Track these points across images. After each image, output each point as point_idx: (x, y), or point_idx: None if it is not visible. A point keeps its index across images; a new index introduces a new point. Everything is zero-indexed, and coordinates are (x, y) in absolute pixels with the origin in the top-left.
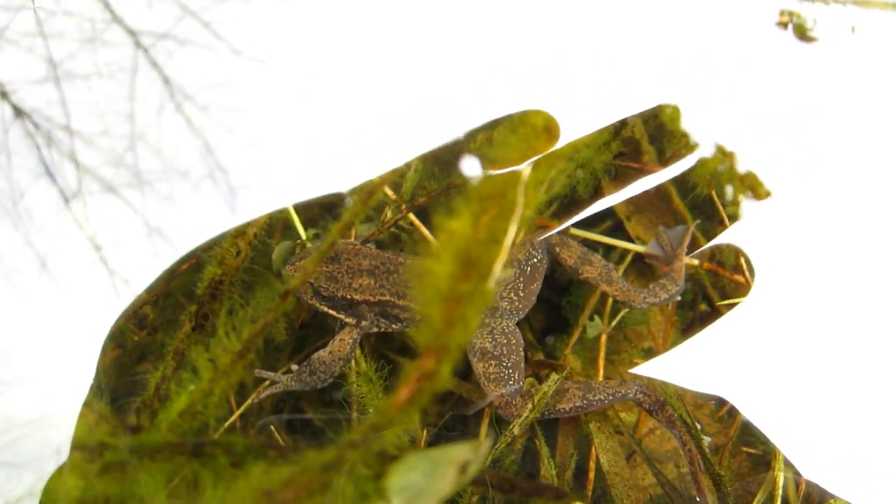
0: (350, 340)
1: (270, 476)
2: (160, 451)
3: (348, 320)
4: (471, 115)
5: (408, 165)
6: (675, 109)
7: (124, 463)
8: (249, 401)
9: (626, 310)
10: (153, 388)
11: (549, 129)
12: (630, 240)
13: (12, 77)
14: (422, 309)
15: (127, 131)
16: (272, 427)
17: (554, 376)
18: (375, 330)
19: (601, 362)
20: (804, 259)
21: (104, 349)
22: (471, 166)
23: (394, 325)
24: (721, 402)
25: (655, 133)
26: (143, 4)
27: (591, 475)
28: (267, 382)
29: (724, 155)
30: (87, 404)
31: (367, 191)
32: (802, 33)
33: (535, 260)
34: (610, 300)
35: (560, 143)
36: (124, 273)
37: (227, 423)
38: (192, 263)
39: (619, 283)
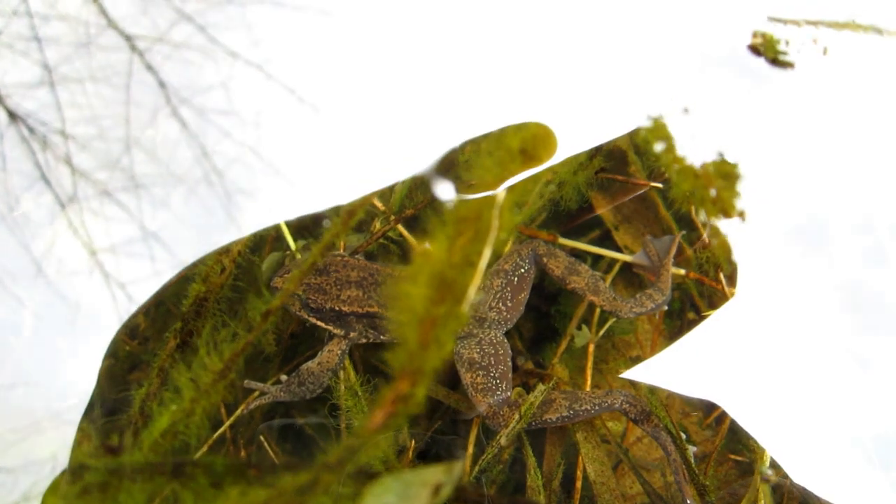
0: (338, 351)
1: (248, 498)
2: (140, 471)
3: (337, 332)
4: (460, 128)
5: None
6: (649, 132)
7: (105, 484)
8: (239, 411)
9: (614, 319)
10: (138, 405)
11: (526, 151)
12: (618, 249)
13: (6, 81)
14: (397, 331)
15: (122, 135)
16: (262, 438)
17: (541, 387)
18: (364, 341)
19: (589, 371)
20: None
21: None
22: (447, 190)
23: (382, 336)
24: (709, 411)
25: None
26: (138, 8)
27: (579, 485)
28: (256, 393)
29: (695, 178)
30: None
31: (349, 211)
32: (774, 55)
33: (523, 270)
34: (598, 309)
35: (544, 165)
36: (122, 278)
37: (216, 434)
38: (183, 274)
39: (606, 293)
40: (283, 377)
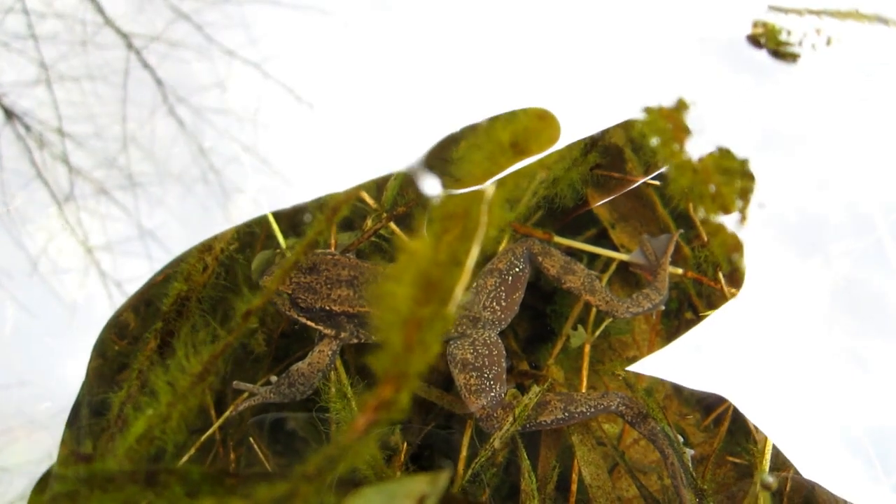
0: (329, 352)
1: None
2: (112, 480)
3: (327, 332)
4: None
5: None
6: (645, 125)
7: (74, 493)
8: (228, 413)
9: (611, 319)
10: (116, 409)
11: (516, 144)
12: (615, 248)
13: (3, 79)
14: (380, 334)
15: (119, 133)
16: (252, 440)
17: (535, 388)
18: (355, 341)
19: (585, 372)
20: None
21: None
22: (433, 185)
23: (374, 336)
24: (707, 412)
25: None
26: (134, 7)
27: (574, 488)
28: (245, 394)
29: (694, 173)
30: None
31: (332, 207)
32: (776, 46)
33: (517, 269)
34: (595, 309)
35: (531, 159)
36: (116, 276)
37: (203, 437)
38: (167, 273)
39: (602, 292)
40: (273, 378)
